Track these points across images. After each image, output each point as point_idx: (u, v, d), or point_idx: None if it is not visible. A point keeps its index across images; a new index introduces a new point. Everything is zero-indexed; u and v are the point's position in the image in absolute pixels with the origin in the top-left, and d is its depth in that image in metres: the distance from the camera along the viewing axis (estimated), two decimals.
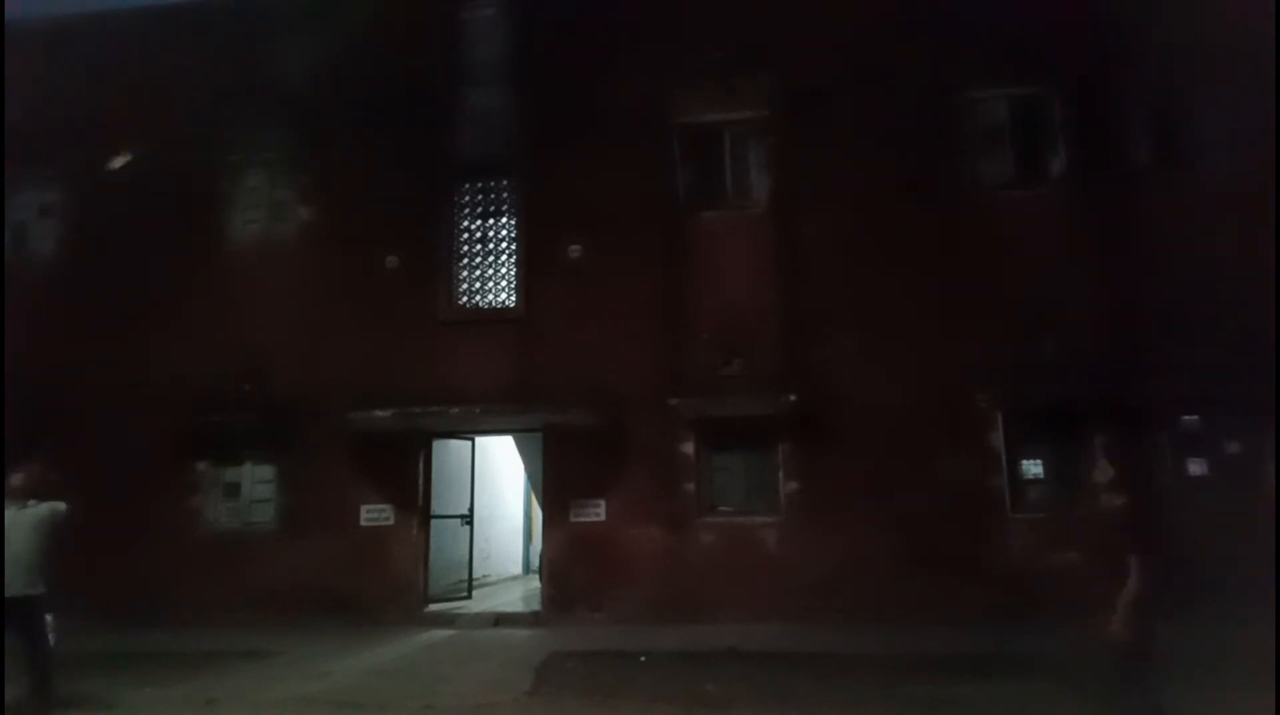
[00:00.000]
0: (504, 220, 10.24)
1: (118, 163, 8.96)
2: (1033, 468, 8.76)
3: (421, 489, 9.65)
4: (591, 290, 9.63)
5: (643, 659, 6.83)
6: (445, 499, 10.02)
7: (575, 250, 9.74)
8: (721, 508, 9.15)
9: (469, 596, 10.28)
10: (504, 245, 10.18)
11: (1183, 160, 8.94)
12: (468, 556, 10.48)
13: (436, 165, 10.25)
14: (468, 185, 10.34)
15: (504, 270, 10.11)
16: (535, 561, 12.10)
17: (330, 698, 5.94)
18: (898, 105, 9.45)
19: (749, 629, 7.86)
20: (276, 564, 9.41)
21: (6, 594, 5.29)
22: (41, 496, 5.69)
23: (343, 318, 9.94)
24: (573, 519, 9.25)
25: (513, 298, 9.97)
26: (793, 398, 8.78)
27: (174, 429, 9.79)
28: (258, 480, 9.98)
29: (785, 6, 9.89)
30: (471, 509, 10.50)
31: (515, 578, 13.54)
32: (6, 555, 5.34)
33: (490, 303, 10.09)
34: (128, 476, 9.74)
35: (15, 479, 5.67)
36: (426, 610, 9.39)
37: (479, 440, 10.65)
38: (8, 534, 5.40)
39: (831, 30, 9.78)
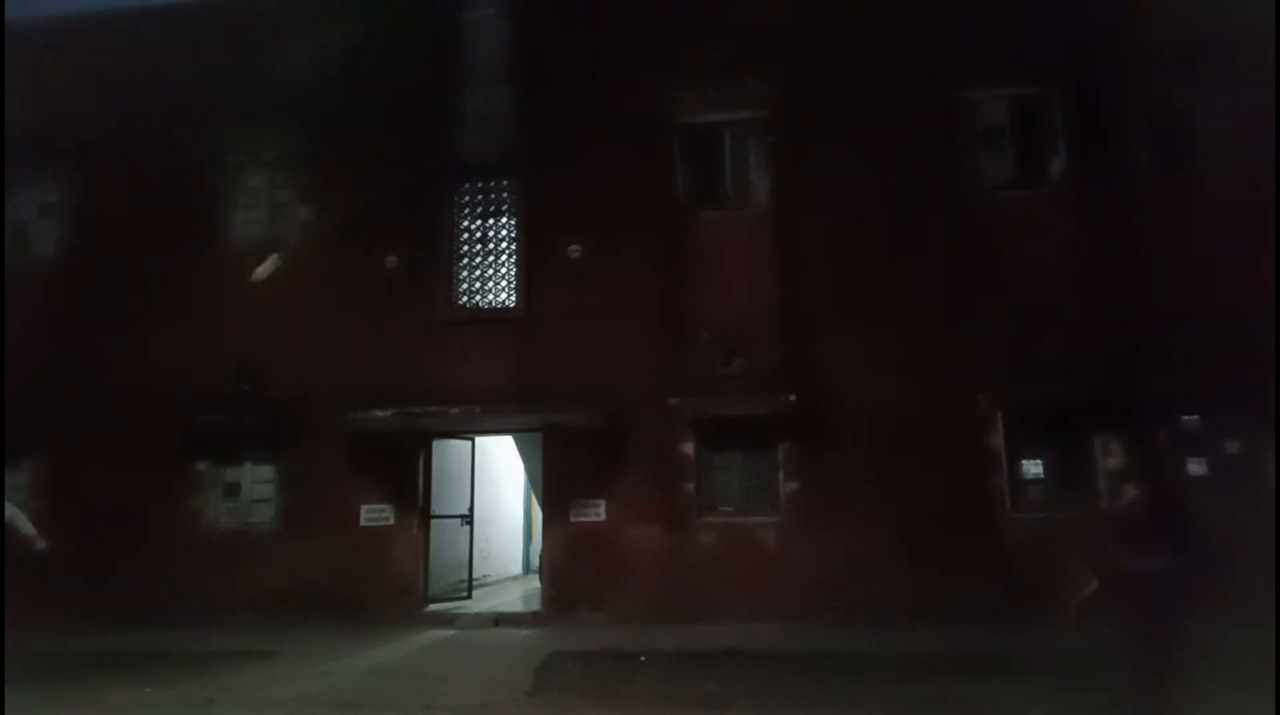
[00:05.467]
0: (504, 220, 10.24)
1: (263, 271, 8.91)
2: (1033, 468, 8.77)
3: (421, 489, 9.64)
4: (591, 290, 9.63)
5: (643, 659, 6.82)
6: (445, 499, 10.02)
7: (575, 250, 9.74)
8: (721, 508, 9.15)
9: (469, 596, 10.28)
10: (504, 245, 10.18)
11: (1183, 160, 8.94)
12: (468, 556, 10.48)
13: (436, 165, 10.25)
14: (468, 185, 10.34)
15: (504, 270, 10.11)
16: (535, 561, 12.11)
17: (330, 698, 5.94)
18: (898, 105, 9.45)
19: (749, 629, 7.86)
20: (276, 564, 9.40)
21: None
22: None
23: (342, 317, 9.93)
24: (573, 519, 9.25)
25: (513, 298, 9.97)
26: (793, 398, 8.78)
27: (174, 429, 9.79)
28: (258, 480, 9.98)
29: (785, 6, 9.90)
30: (471, 509, 10.50)
31: (515, 578, 13.54)
32: None
33: (490, 303, 10.09)
34: (128, 476, 9.76)
35: None
36: (426, 610, 9.39)
37: (479, 440, 10.65)
38: None
39: (831, 30, 9.78)
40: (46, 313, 10.21)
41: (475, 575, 10.79)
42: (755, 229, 9.60)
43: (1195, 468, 8.39)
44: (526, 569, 13.96)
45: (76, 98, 10.81)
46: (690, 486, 9.12)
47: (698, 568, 8.87)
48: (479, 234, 10.27)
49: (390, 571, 9.41)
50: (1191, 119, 9.02)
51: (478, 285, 10.15)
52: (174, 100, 10.63)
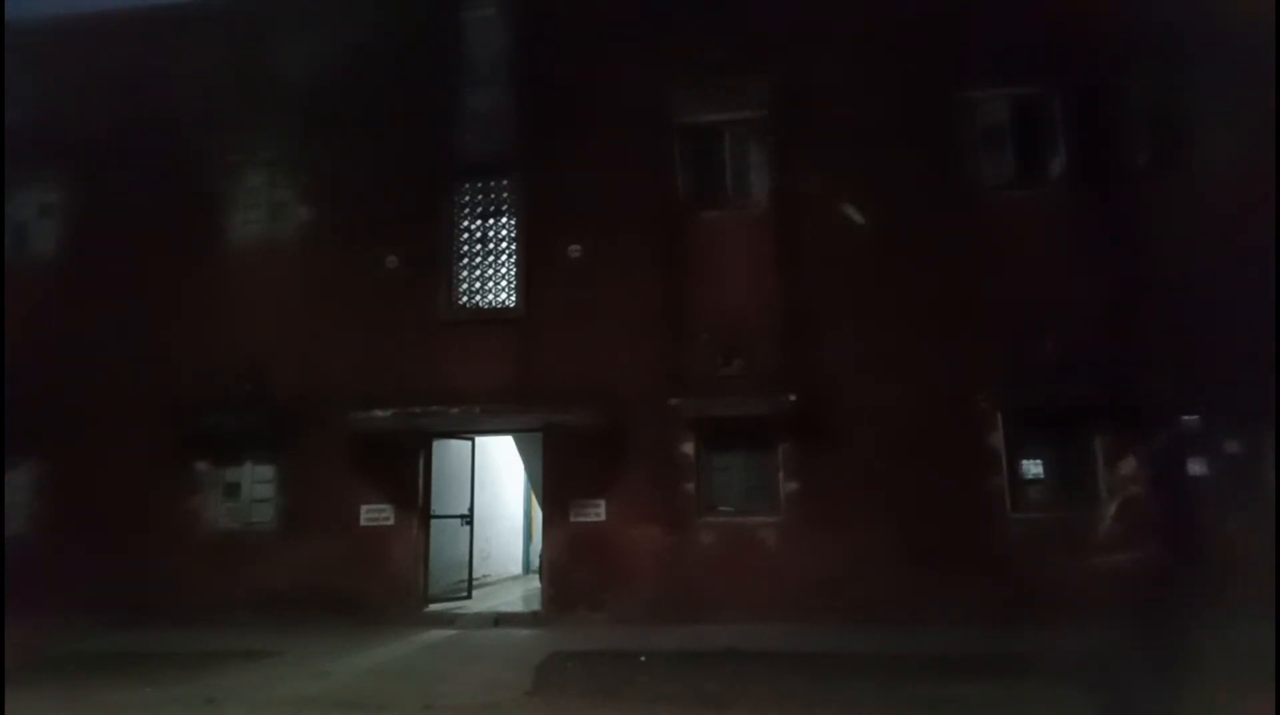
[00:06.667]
0: (504, 220, 10.24)
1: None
2: (1033, 468, 8.77)
3: (421, 489, 9.65)
4: (591, 290, 9.63)
5: (643, 659, 6.83)
6: (445, 499, 10.02)
7: (575, 250, 9.74)
8: (721, 508, 9.15)
9: (469, 596, 10.28)
10: (504, 245, 10.18)
11: (1182, 160, 8.94)
12: (468, 556, 10.48)
13: (436, 165, 10.25)
14: (468, 185, 10.34)
15: (504, 270, 10.11)
16: (535, 561, 12.11)
17: (330, 698, 5.94)
18: (898, 105, 9.45)
19: (749, 629, 7.85)
20: (276, 564, 9.40)
21: None
22: None
23: (343, 317, 9.94)
24: (573, 519, 9.25)
25: (513, 298, 9.97)
26: (793, 398, 8.78)
27: (174, 429, 9.79)
28: (258, 480, 9.98)
29: (785, 6, 9.90)
30: (471, 509, 10.50)
31: (515, 578, 13.54)
32: None
33: (490, 303, 10.09)
34: (128, 476, 9.75)
35: None
36: (426, 610, 9.39)
37: (479, 440, 10.65)
38: None
39: (832, 30, 9.78)
40: (47, 313, 10.21)
41: (475, 575, 10.80)
42: (755, 229, 9.60)
43: (1195, 468, 8.38)
44: (526, 569, 13.96)
45: (76, 98, 10.82)
46: (690, 486, 9.12)
47: (698, 568, 8.87)
48: (479, 234, 10.27)
49: (390, 571, 9.41)
50: (1191, 119, 9.02)
51: (478, 285, 10.15)
52: (174, 100, 10.62)
